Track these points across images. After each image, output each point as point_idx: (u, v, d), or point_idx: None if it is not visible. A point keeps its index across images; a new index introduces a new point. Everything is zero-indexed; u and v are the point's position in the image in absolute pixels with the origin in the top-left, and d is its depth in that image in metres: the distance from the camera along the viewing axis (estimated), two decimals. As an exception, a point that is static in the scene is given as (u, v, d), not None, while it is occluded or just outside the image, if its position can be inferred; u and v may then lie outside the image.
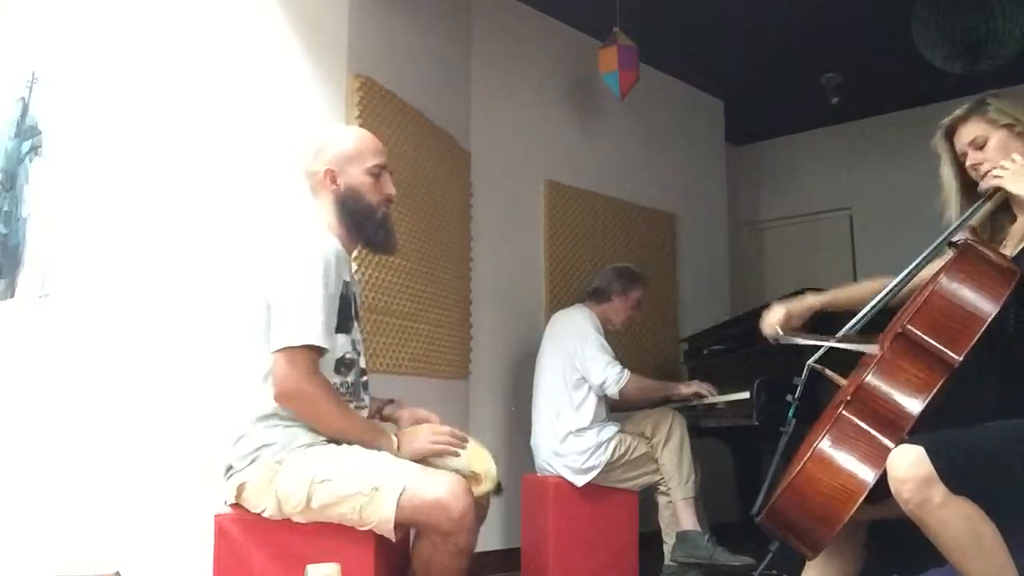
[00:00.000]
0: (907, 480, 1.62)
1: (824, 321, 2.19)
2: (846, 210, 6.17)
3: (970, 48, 3.81)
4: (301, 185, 2.20)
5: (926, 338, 1.76)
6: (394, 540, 1.91)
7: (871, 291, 2.05)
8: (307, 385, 1.92)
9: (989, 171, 1.95)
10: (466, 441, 2.07)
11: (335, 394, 2.01)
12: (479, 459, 2.10)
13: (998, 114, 1.96)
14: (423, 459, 2.02)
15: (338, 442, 2.01)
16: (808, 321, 2.24)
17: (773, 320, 2.19)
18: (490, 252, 4.07)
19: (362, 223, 2.13)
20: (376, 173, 2.14)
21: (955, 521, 1.61)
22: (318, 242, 2.02)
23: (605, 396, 3.56)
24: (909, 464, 1.63)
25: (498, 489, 2.09)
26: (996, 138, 1.96)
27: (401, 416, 2.27)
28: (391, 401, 2.34)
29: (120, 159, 2.89)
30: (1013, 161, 1.88)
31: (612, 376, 3.47)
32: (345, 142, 2.17)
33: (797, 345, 2.05)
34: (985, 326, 1.73)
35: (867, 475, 1.70)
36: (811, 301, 2.23)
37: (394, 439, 2.03)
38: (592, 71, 4.22)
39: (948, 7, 3.80)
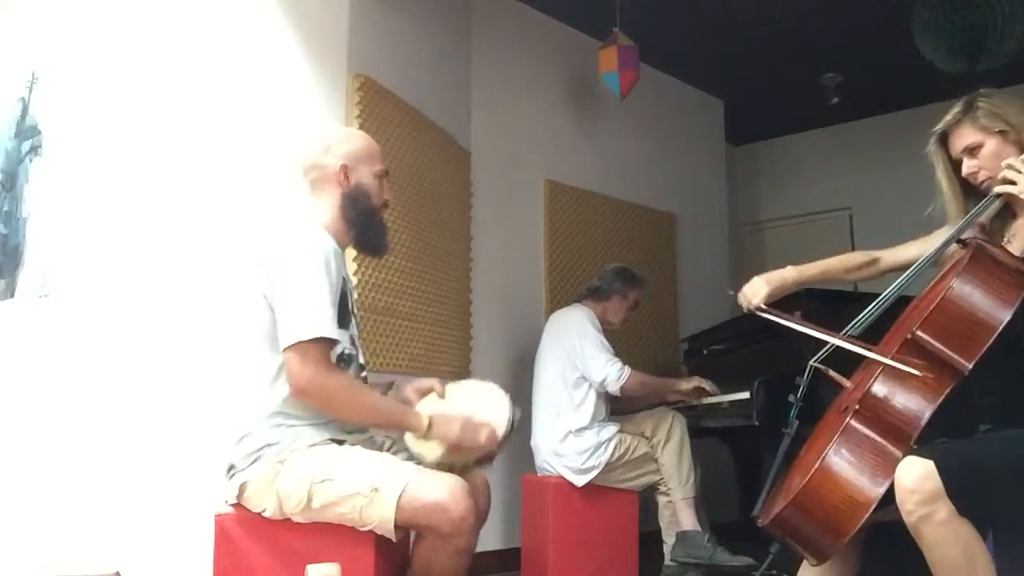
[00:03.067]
0: (914, 492, 1.61)
1: (828, 318, 2.17)
2: (846, 210, 6.18)
3: (970, 48, 3.81)
4: (300, 181, 2.20)
5: (937, 344, 1.72)
6: (395, 540, 1.91)
7: (843, 264, 2.11)
8: (323, 377, 1.92)
9: (987, 178, 1.93)
10: (496, 444, 2.03)
11: (352, 381, 2.02)
12: (491, 405, 2.11)
13: (990, 120, 1.93)
14: (455, 449, 2.00)
15: (341, 442, 2.01)
16: (821, 312, 2.21)
17: (753, 294, 2.16)
18: (490, 252, 4.07)
19: (365, 222, 2.15)
20: (381, 177, 2.19)
21: (953, 542, 1.60)
22: (315, 239, 2.04)
23: (606, 395, 3.55)
24: (918, 477, 1.61)
25: (517, 421, 2.11)
26: (990, 145, 1.93)
27: (407, 396, 2.27)
28: (390, 385, 2.34)
29: (120, 159, 2.89)
30: None
31: (613, 373, 3.47)
32: (358, 141, 2.21)
33: (770, 321, 2.06)
34: (998, 333, 1.70)
35: (876, 487, 1.67)
36: (788, 275, 2.20)
37: (425, 419, 2.00)
38: (592, 71, 4.22)
39: (948, 7, 3.80)
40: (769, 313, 2.08)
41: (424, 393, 2.25)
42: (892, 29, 4.31)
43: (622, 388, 3.49)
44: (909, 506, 1.61)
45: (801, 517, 1.72)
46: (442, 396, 2.21)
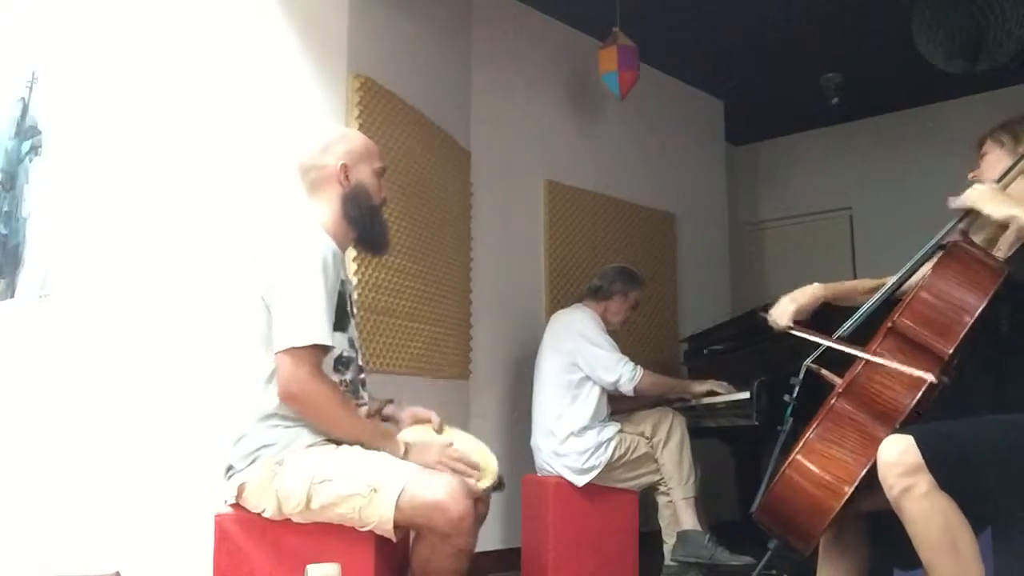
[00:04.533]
0: (895, 466, 1.66)
1: (823, 321, 2.20)
2: (846, 210, 6.18)
3: (970, 48, 3.81)
4: (297, 182, 2.20)
5: (917, 330, 1.81)
6: (394, 540, 1.92)
7: (872, 287, 2.12)
8: (312, 385, 1.92)
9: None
10: (477, 469, 2.03)
11: (340, 394, 2.01)
12: (479, 455, 2.11)
13: (1002, 131, 2.07)
14: None
15: (339, 442, 2.01)
16: (813, 315, 2.27)
17: (783, 313, 2.21)
18: (490, 252, 4.07)
19: (368, 220, 2.15)
20: (380, 174, 2.20)
21: (934, 515, 1.64)
22: (314, 242, 2.03)
23: (607, 395, 3.55)
24: (898, 452, 1.67)
25: (499, 485, 2.08)
26: (991, 154, 2.09)
27: (402, 417, 2.27)
28: (390, 401, 2.35)
29: (120, 159, 2.89)
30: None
31: (627, 373, 3.46)
32: (356, 140, 2.22)
33: (801, 339, 2.08)
34: (974, 319, 1.78)
35: (858, 465, 1.74)
36: (817, 292, 2.25)
37: (401, 446, 2.01)
38: (592, 71, 4.22)
39: (948, 7, 3.81)
40: (799, 331, 2.12)
41: (419, 421, 2.25)
42: (892, 29, 4.30)
43: (635, 388, 3.48)
44: (890, 480, 1.66)
45: (788, 497, 1.77)
46: (438, 431, 2.22)
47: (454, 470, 1.97)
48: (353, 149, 2.16)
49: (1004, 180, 1.99)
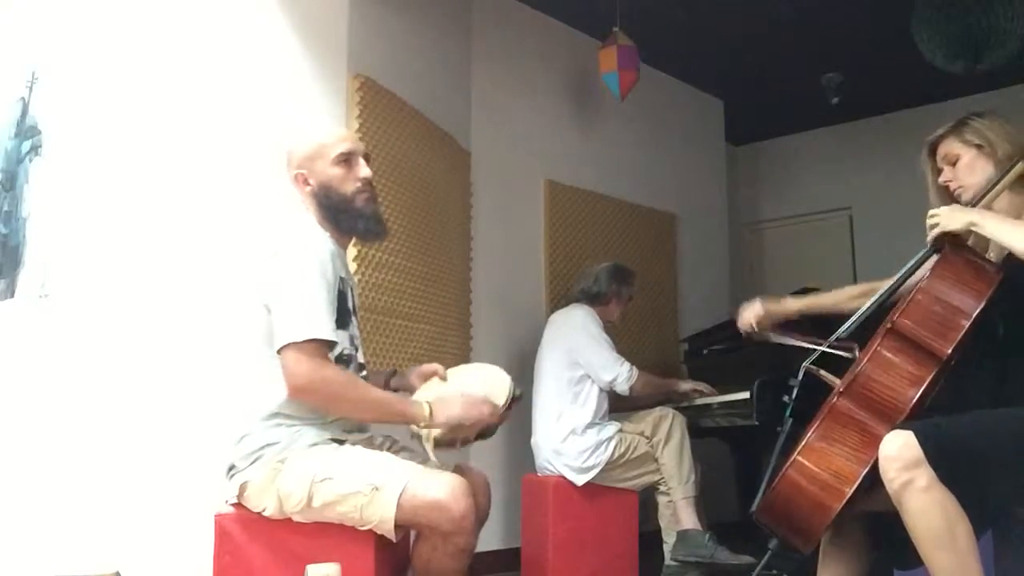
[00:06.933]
0: (895, 460, 1.67)
1: (820, 323, 2.21)
2: (846, 210, 6.18)
3: (970, 48, 3.82)
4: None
5: (916, 329, 1.83)
6: (395, 540, 1.91)
7: (851, 296, 2.16)
8: (318, 375, 1.90)
9: (957, 188, 2.05)
10: (496, 416, 2.05)
11: (350, 377, 2.00)
12: (491, 377, 2.18)
13: (971, 135, 2.06)
14: (457, 427, 2.00)
15: (342, 441, 2.01)
16: (796, 322, 2.32)
17: (750, 316, 2.32)
18: (490, 252, 4.08)
19: (343, 215, 2.11)
20: (344, 161, 2.10)
21: (934, 510, 1.65)
22: (312, 240, 2.03)
23: (608, 393, 3.56)
24: (899, 446, 1.68)
25: (517, 397, 2.14)
26: (965, 157, 2.05)
27: (411, 382, 2.27)
28: (393, 373, 2.35)
29: (120, 159, 2.89)
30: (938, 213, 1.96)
31: (623, 373, 3.51)
32: (307, 142, 2.15)
33: (769, 342, 2.18)
34: (971, 321, 1.79)
35: (859, 464, 1.75)
36: (791, 305, 2.35)
37: (425, 407, 1.99)
38: (592, 71, 4.22)
39: (948, 7, 3.81)
40: (765, 333, 2.23)
41: (427, 377, 2.26)
42: (892, 29, 4.31)
43: (631, 388, 3.55)
44: (891, 474, 1.67)
45: (790, 496, 1.78)
46: (444, 379, 2.23)
47: (478, 417, 1.99)
48: (304, 153, 2.12)
49: (991, 194, 1.97)
